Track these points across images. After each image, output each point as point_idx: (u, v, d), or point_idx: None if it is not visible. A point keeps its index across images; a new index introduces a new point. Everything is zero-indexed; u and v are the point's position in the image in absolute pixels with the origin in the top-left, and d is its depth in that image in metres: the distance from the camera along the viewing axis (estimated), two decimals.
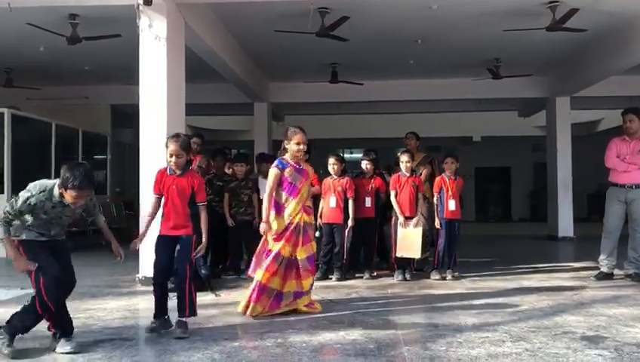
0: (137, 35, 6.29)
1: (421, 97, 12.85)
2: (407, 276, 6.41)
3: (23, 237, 3.52)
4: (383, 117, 16.98)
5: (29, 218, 3.50)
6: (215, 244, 7.01)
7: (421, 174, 6.91)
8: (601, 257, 6.36)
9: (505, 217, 21.52)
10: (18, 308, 3.59)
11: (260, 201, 6.87)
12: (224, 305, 5.14)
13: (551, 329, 4.08)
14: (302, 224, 4.65)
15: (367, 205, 6.67)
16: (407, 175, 6.50)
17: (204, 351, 3.59)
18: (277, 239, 4.59)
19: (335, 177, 6.57)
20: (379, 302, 5.24)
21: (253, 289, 4.55)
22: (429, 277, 6.46)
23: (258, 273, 4.57)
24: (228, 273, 6.89)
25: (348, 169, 7.04)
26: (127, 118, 13.15)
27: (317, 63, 10.67)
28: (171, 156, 4.07)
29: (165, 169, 4.18)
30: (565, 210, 12.01)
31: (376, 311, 4.79)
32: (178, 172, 4.11)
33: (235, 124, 17.78)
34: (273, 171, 4.66)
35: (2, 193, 9.09)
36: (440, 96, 12.84)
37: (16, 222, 3.47)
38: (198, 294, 5.30)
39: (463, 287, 6.00)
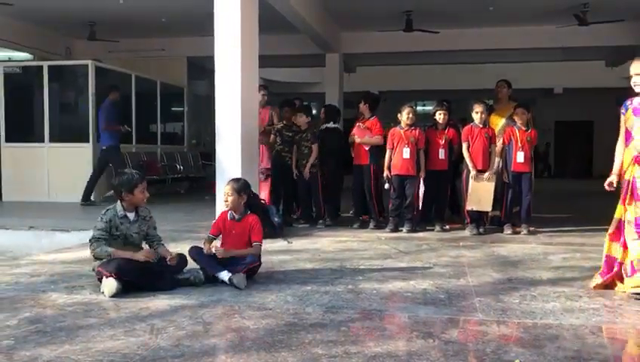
0: None
1: (500, 46, 12.27)
2: (481, 230, 6.30)
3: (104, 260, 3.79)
4: (458, 67, 16.42)
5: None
6: (286, 194, 7.18)
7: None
8: None
9: (585, 173, 20.58)
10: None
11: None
12: (295, 251, 5.28)
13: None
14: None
15: (440, 157, 6.55)
16: (480, 126, 6.31)
17: (277, 293, 3.72)
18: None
19: (405, 128, 6.46)
20: (450, 254, 5.20)
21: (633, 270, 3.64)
22: (502, 232, 6.33)
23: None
24: (299, 221, 7.03)
25: (420, 121, 6.91)
26: (203, 70, 13.42)
27: (391, 11, 10.37)
28: (224, 195, 4.19)
29: (227, 213, 4.21)
30: None
31: (447, 263, 4.76)
32: (237, 216, 4.15)
33: (306, 76, 17.77)
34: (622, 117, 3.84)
35: (88, 142, 9.60)
36: (520, 45, 12.21)
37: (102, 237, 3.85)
38: (270, 241, 5.52)
39: (538, 242, 5.84)
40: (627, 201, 3.73)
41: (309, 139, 6.95)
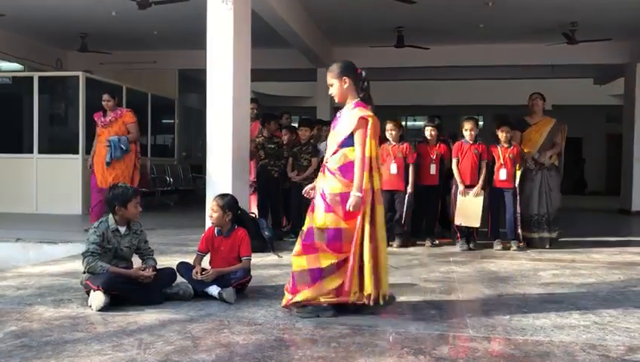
0: (205, 0, 6.35)
1: (490, 63, 12.41)
2: (471, 245, 6.32)
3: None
4: (448, 83, 16.56)
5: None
6: (273, 207, 7.17)
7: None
8: None
9: (575, 190, 20.72)
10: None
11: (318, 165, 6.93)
12: (286, 265, 5.23)
13: (622, 303, 3.94)
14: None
15: (431, 172, 6.59)
16: (470, 142, 6.36)
17: (267, 308, 3.69)
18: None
19: (394, 143, 6.49)
20: (440, 269, 5.19)
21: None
22: (492, 247, 6.35)
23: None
24: (290, 235, 7.01)
25: (412, 137, 6.95)
26: (194, 82, 13.43)
27: (382, 27, 10.47)
28: (210, 210, 4.16)
29: (214, 229, 4.15)
30: None
31: (437, 278, 4.76)
32: (224, 232, 4.10)
33: (298, 90, 17.83)
34: None
35: (77, 154, 9.54)
36: (510, 62, 12.36)
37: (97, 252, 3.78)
38: (260, 255, 5.49)
39: (528, 258, 5.86)
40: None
41: (309, 151, 6.97)
